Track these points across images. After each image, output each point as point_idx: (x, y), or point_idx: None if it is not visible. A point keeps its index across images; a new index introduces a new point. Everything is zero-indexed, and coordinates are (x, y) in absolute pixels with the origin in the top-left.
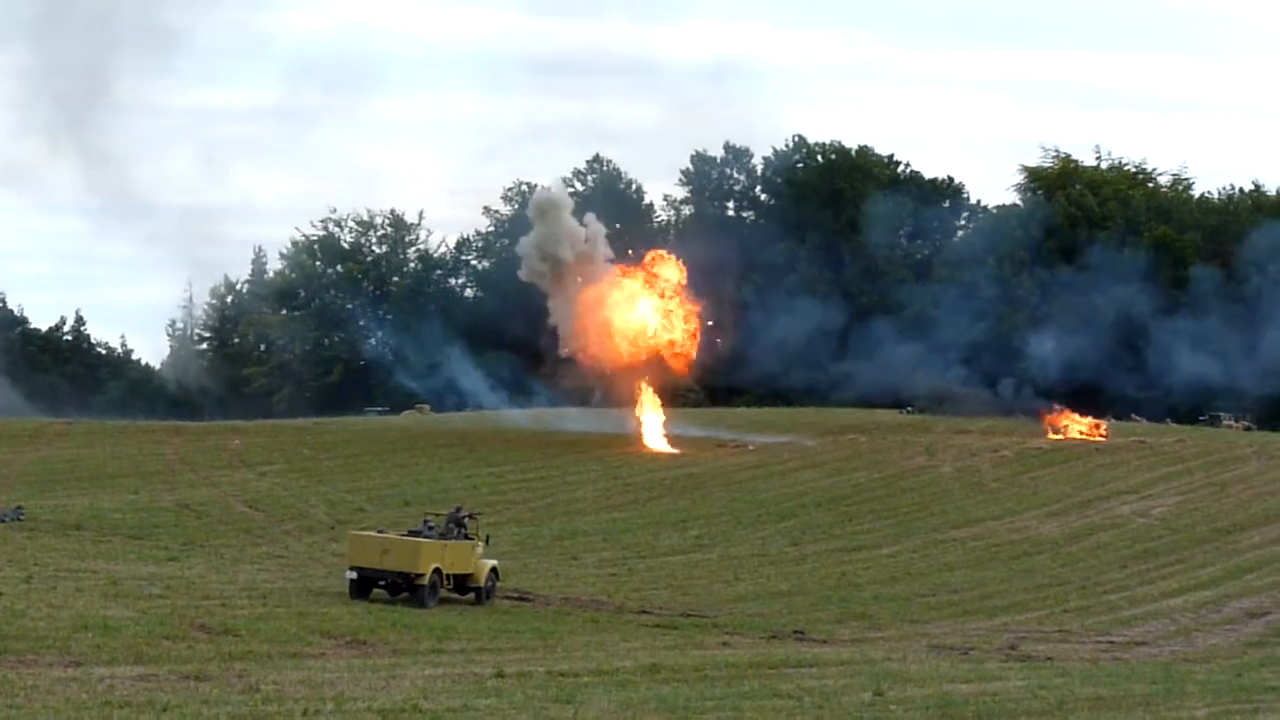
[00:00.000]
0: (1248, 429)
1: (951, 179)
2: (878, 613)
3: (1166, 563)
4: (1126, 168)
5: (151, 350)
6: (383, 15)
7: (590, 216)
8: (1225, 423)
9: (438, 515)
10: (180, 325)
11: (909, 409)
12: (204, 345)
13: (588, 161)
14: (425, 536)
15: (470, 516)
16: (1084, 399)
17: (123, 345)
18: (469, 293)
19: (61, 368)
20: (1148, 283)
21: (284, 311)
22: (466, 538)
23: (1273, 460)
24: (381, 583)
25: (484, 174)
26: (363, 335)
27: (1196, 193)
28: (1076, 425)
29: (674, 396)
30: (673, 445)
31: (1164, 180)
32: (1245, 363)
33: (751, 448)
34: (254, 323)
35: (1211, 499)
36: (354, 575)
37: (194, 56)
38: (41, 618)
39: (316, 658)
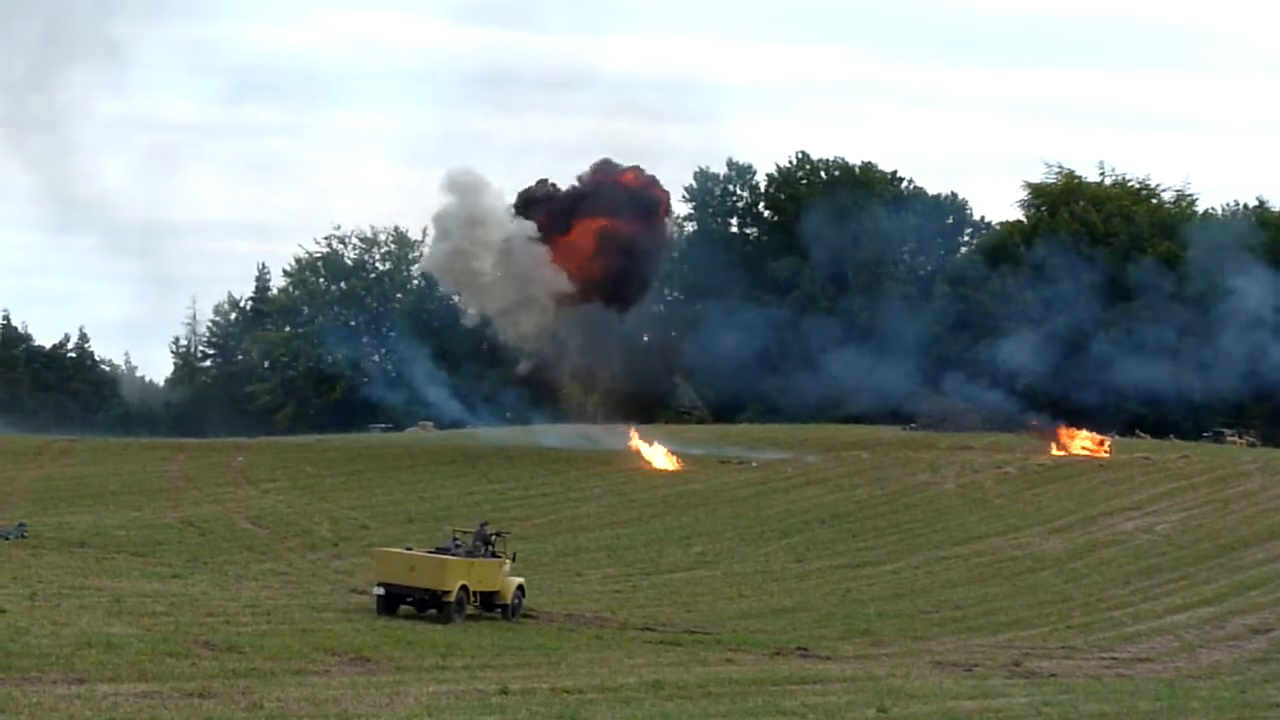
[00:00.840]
0: (1251, 445)
1: (955, 195)
2: (881, 629)
3: (1170, 579)
4: (1130, 184)
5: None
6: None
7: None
8: (1229, 439)
9: (465, 533)
10: (184, 342)
11: (912, 425)
12: (207, 362)
13: None
14: (452, 554)
15: (497, 534)
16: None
17: (126, 362)
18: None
19: (65, 385)
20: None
21: (287, 328)
22: (494, 555)
23: (1276, 476)
24: (409, 599)
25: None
26: (365, 351)
27: (1200, 209)
28: (1080, 442)
29: (677, 414)
30: (678, 462)
31: (1167, 196)
32: (1195, 369)
33: (755, 464)
34: (257, 339)
35: (1215, 515)
36: (381, 591)
37: (152, 69)
38: (45, 635)
39: (320, 675)
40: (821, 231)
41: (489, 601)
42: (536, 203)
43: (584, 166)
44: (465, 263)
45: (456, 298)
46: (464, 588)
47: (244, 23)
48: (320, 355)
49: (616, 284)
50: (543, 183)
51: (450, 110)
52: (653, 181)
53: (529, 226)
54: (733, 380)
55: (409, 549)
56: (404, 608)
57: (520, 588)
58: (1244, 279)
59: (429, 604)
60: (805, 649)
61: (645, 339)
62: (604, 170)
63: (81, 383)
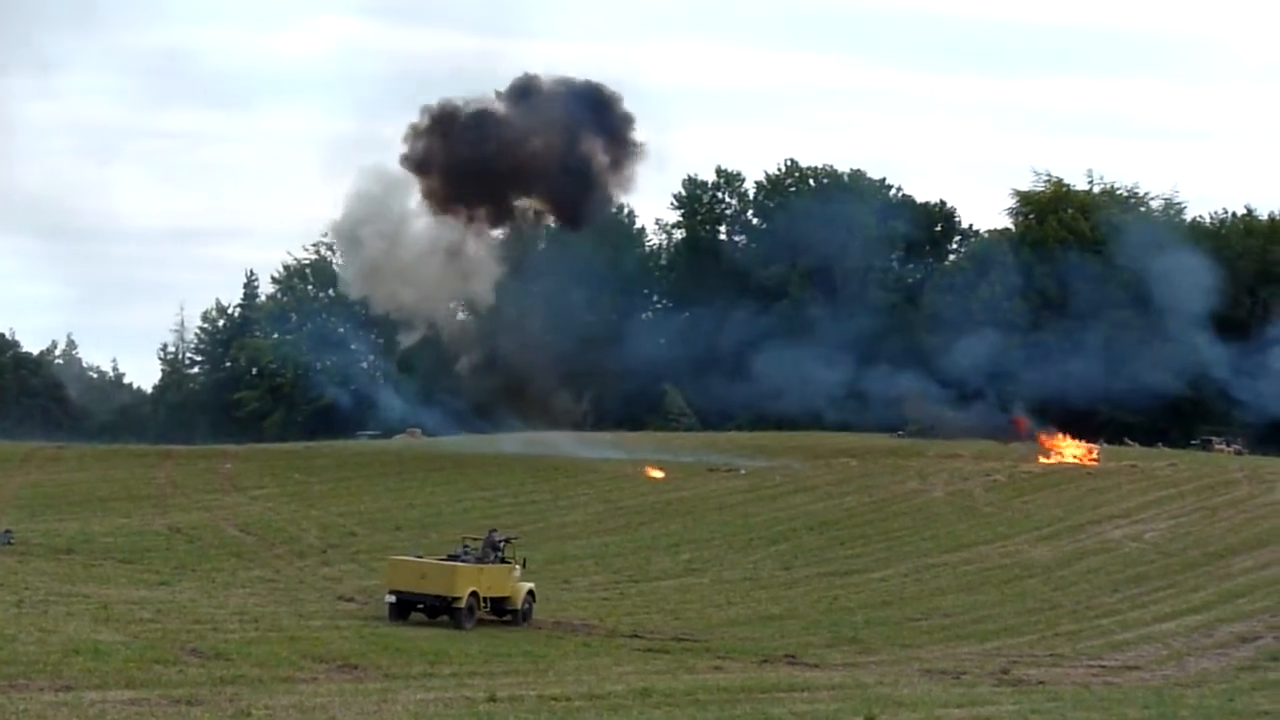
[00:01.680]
0: (1239, 453)
1: (944, 203)
2: (869, 637)
3: (1158, 587)
4: (1119, 192)
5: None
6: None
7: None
8: (1217, 447)
9: (475, 539)
10: (172, 349)
11: (901, 433)
12: (195, 369)
13: None
14: (463, 560)
15: (507, 540)
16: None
17: (114, 369)
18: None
19: (53, 391)
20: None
21: (276, 335)
22: (504, 561)
23: (1264, 484)
24: (420, 605)
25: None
26: (355, 359)
27: (1188, 217)
28: (1069, 449)
29: (665, 421)
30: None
31: (1156, 205)
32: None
33: (743, 472)
34: (245, 346)
35: (1203, 523)
36: (393, 599)
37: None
38: (32, 642)
39: (308, 682)
40: (810, 238)
41: (499, 607)
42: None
43: None
44: (387, 267)
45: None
46: (474, 594)
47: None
48: (309, 362)
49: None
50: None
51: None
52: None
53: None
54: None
55: (420, 556)
56: (411, 614)
57: (530, 593)
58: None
59: (440, 610)
60: (793, 656)
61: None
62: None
63: (69, 389)
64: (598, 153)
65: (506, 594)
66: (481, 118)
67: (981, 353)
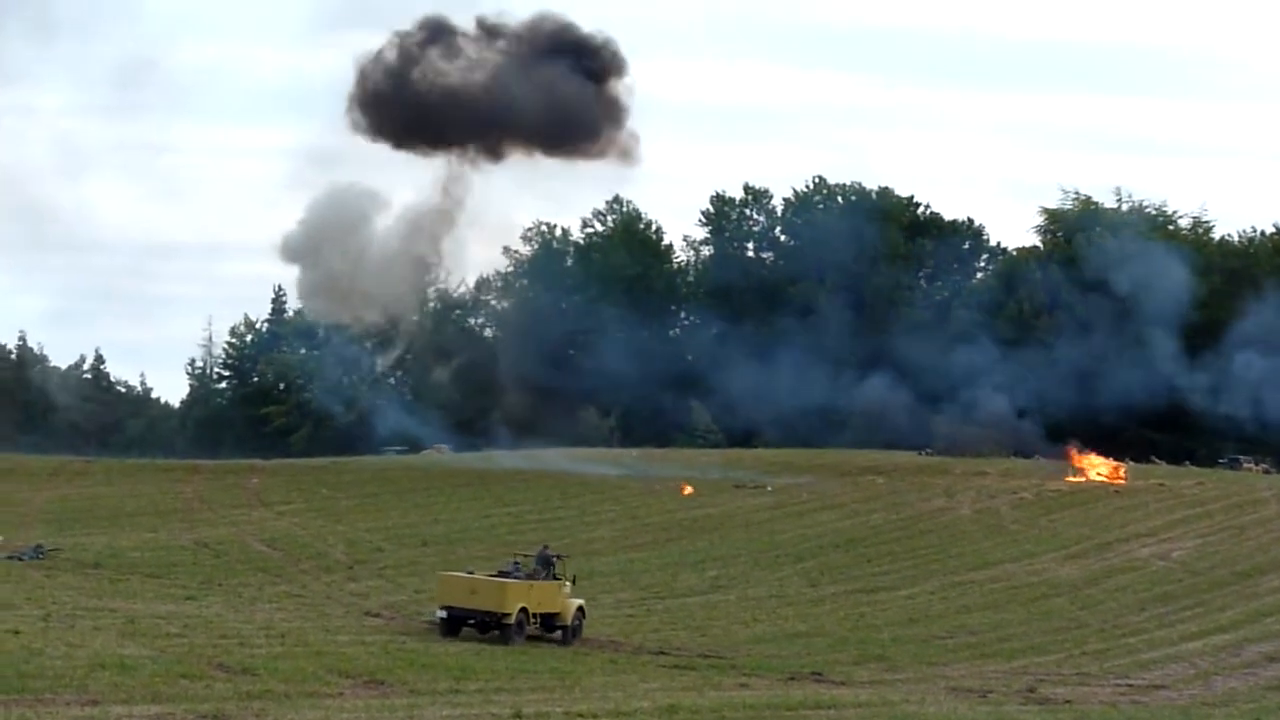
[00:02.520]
0: (1267, 472)
1: (971, 220)
2: (896, 655)
3: (1185, 606)
4: (1147, 210)
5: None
6: None
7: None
8: (1245, 466)
9: (525, 556)
10: (200, 364)
11: (927, 450)
12: (223, 384)
13: (607, 202)
14: (513, 577)
15: (558, 557)
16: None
17: (142, 384)
18: (488, 332)
19: (80, 406)
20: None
21: (303, 350)
22: (554, 578)
23: None
24: (470, 621)
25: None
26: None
27: (1217, 235)
28: (1096, 467)
29: (691, 437)
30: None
31: (1184, 223)
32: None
33: (770, 489)
34: (273, 361)
35: (1231, 542)
36: (444, 614)
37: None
38: (59, 656)
39: (334, 697)
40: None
41: (549, 623)
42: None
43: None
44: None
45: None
46: (524, 610)
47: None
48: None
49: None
50: None
51: None
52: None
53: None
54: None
55: (471, 572)
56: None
57: (581, 609)
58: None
59: (490, 626)
60: (819, 674)
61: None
62: None
63: (97, 404)
64: (577, 84)
65: (556, 610)
66: (447, 46)
67: (1007, 369)
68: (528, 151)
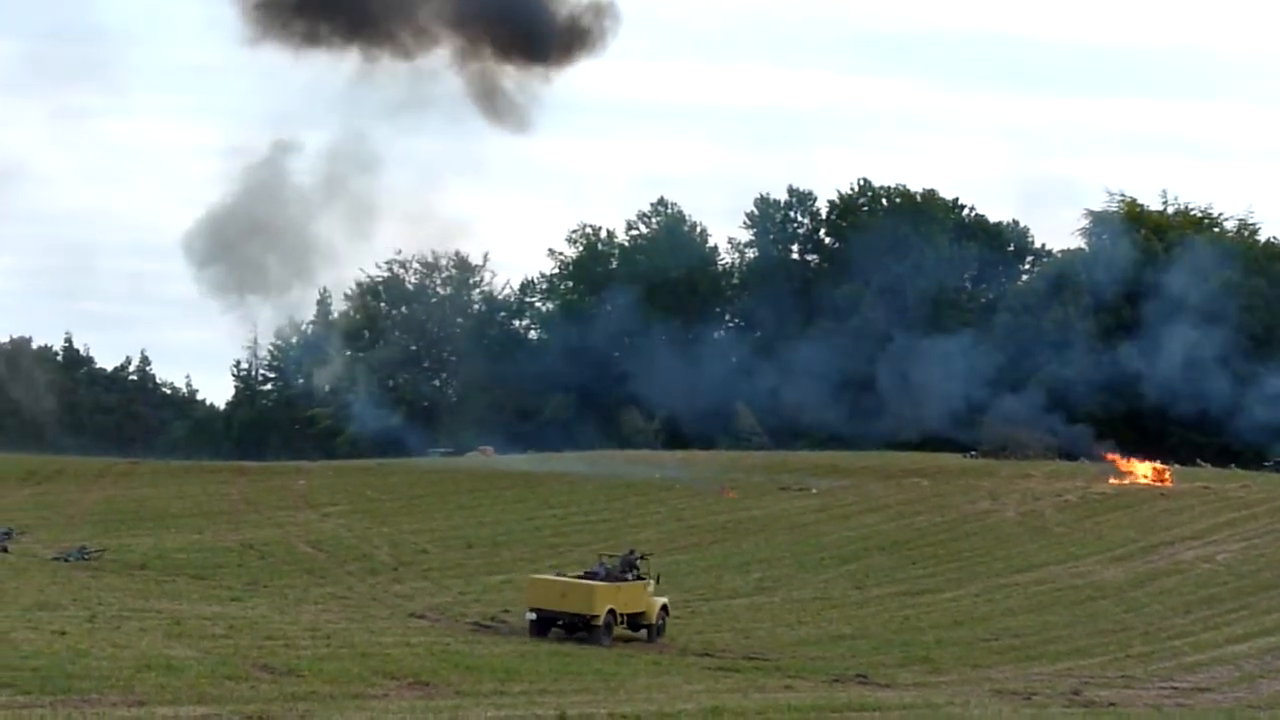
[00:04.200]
0: None
1: (1017, 222)
2: (940, 657)
3: (1231, 609)
4: (1193, 213)
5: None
6: None
7: None
8: None
9: (612, 556)
10: (245, 365)
11: (972, 453)
12: (268, 385)
13: (651, 204)
14: (600, 578)
15: (642, 557)
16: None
17: (188, 385)
18: (533, 334)
19: (127, 407)
20: None
21: (349, 352)
22: (639, 578)
23: None
24: (559, 623)
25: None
26: (426, 377)
27: (1262, 237)
28: (1141, 470)
29: (736, 440)
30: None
31: (1230, 225)
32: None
33: (814, 491)
34: (319, 363)
35: (1276, 544)
36: (534, 616)
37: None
38: (105, 657)
39: (379, 699)
40: (882, 259)
41: (635, 622)
42: None
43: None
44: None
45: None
46: (611, 611)
47: None
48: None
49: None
50: None
51: None
52: None
53: None
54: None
55: (561, 574)
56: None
57: (664, 608)
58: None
59: (578, 627)
60: (864, 676)
61: None
62: None
63: (143, 405)
64: None
65: (642, 610)
66: None
67: (1055, 372)
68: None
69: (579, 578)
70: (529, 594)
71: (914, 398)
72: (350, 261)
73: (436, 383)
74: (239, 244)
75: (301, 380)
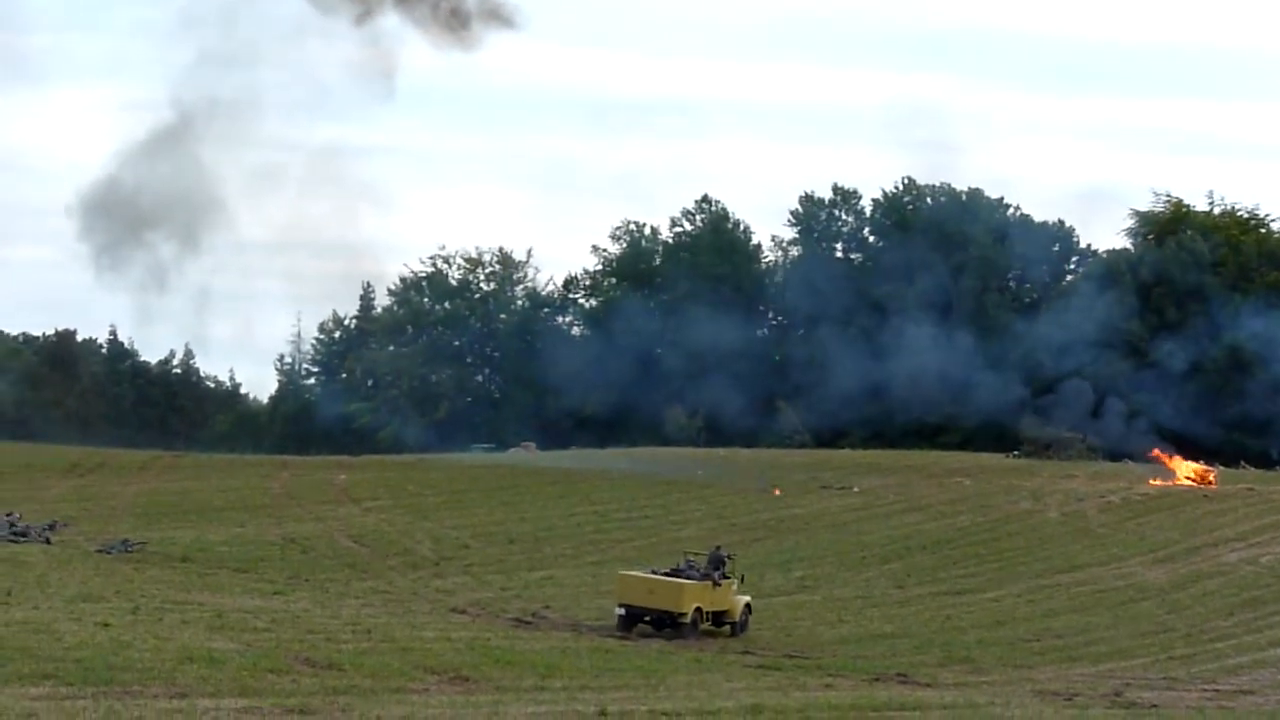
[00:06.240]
0: None
1: (1062, 222)
2: (981, 657)
3: (1274, 611)
4: (1239, 213)
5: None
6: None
7: None
8: None
9: (699, 554)
10: (288, 360)
11: (1015, 453)
12: (311, 380)
13: (696, 201)
14: (687, 576)
15: (728, 556)
16: None
17: (231, 379)
18: (575, 330)
19: (171, 401)
20: None
21: (391, 347)
22: (725, 576)
23: None
24: (646, 619)
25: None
26: (469, 372)
27: None
28: (1185, 471)
29: (780, 439)
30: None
31: (1276, 226)
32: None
33: (856, 490)
34: (361, 358)
35: None
36: (622, 611)
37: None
38: (147, 649)
39: (420, 693)
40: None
41: (719, 619)
42: None
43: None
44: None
45: None
46: (699, 608)
47: None
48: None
49: None
50: None
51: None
52: None
53: None
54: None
55: (654, 572)
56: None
57: (748, 605)
58: None
59: (666, 624)
60: (905, 675)
61: None
62: None
63: (187, 399)
64: None
65: (727, 607)
66: None
67: (1098, 372)
68: None
69: (667, 575)
70: (618, 590)
71: (954, 395)
72: (394, 256)
73: (479, 378)
74: (129, 206)
75: (344, 375)
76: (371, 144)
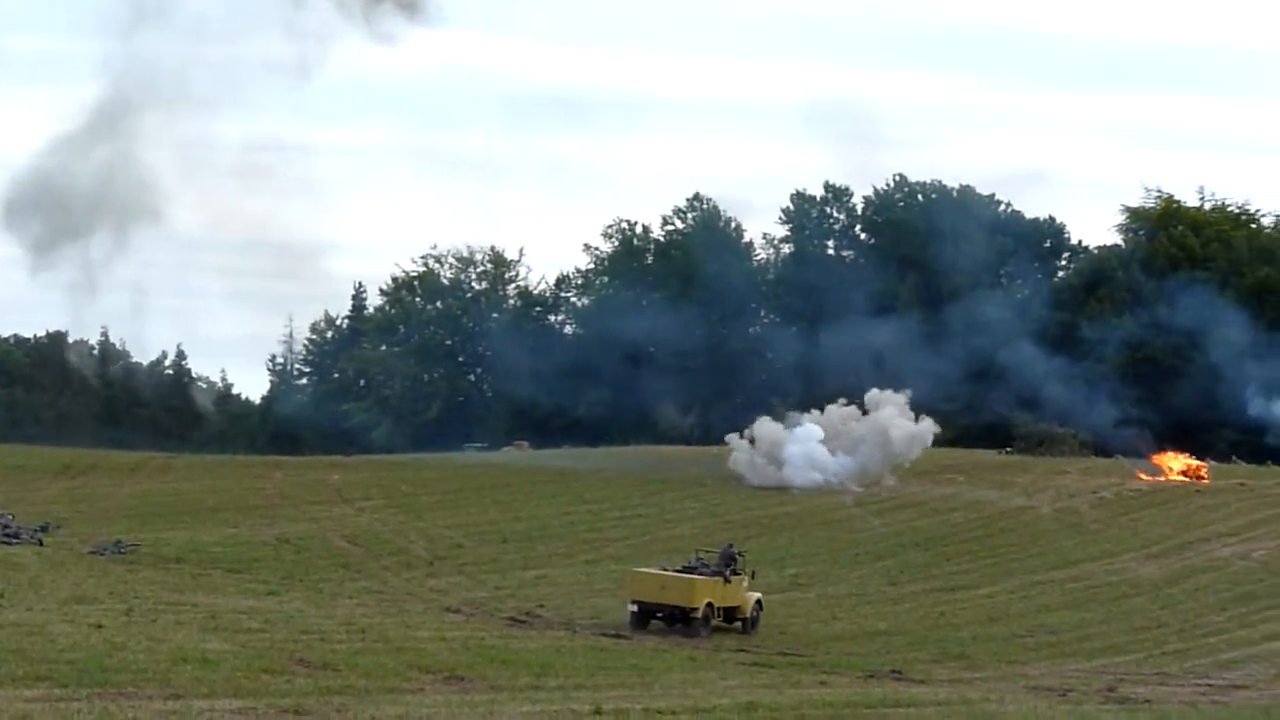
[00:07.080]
0: None
1: (1053, 219)
2: (975, 653)
3: (1266, 606)
4: (1229, 208)
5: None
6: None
7: None
8: None
9: (710, 552)
10: (280, 360)
11: (1008, 449)
12: (303, 380)
13: (687, 199)
14: (699, 572)
15: (739, 554)
16: None
17: (223, 379)
18: (568, 329)
19: (163, 401)
20: None
21: (384, 347)
22: (736, 573)
23: None
24: (659, 615)
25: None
26: (461, 371)
27: None
28: (1177, 466)
29: None
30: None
31: (1267, 221)
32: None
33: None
34: (354, 358)
35: None
36: (635, 608)
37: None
38: (141, 650)
39: (414, 693)
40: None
41: (730, 615)
42: None
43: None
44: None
45: None
46: (710, 604)
47: None
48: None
49: None
50: None
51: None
52: None
53: None
54: None
55: (664, 568)
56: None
57: (758, 602)
58: None
59: (678, 619)
60: (899, 672)
61: None
62: None
63: (179, 400)
64: None
65: (738, 604)
66: None
67: (1089, 368)
68: None
69: (679, 571)
70: (630, 586)
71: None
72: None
73: (471, 377)
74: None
75: (336, 375)
76: (348, 143)
